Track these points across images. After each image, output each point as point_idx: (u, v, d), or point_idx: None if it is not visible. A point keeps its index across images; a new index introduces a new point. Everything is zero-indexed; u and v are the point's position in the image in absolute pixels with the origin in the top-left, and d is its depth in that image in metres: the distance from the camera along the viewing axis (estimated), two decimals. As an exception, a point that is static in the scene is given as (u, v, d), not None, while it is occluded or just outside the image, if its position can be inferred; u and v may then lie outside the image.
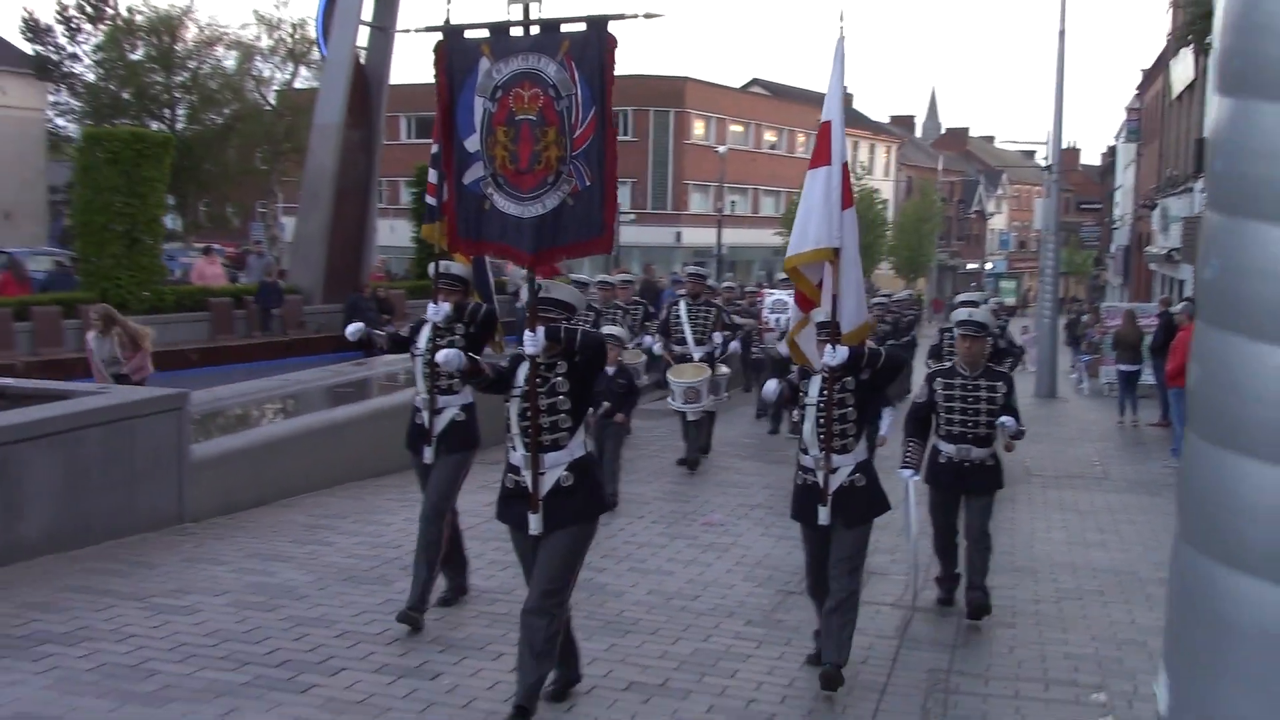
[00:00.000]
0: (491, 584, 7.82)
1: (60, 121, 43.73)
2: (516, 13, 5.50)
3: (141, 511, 8.67)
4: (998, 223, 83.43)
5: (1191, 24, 24.57)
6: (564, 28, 5.39)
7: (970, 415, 7.75)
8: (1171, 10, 27.87)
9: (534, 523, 5.45)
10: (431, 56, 5.69)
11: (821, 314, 6.38)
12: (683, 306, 12.96)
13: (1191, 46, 24.96)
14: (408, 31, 5.78)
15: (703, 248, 48.80)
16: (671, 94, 51.67)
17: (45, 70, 41.09)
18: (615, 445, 10.64)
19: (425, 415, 6.92)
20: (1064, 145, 24.57)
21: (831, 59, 6.40)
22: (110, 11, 42.34)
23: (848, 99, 71.75)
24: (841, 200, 6.28)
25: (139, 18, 41.60)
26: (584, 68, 5.28)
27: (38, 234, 39.40)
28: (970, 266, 76.91)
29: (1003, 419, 7.68)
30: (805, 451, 6.44)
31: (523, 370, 5.54)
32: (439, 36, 5.75)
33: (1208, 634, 2.91)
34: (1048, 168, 25.11)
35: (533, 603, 5.41)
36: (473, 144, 5.61)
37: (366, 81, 21.48)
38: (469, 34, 5.68)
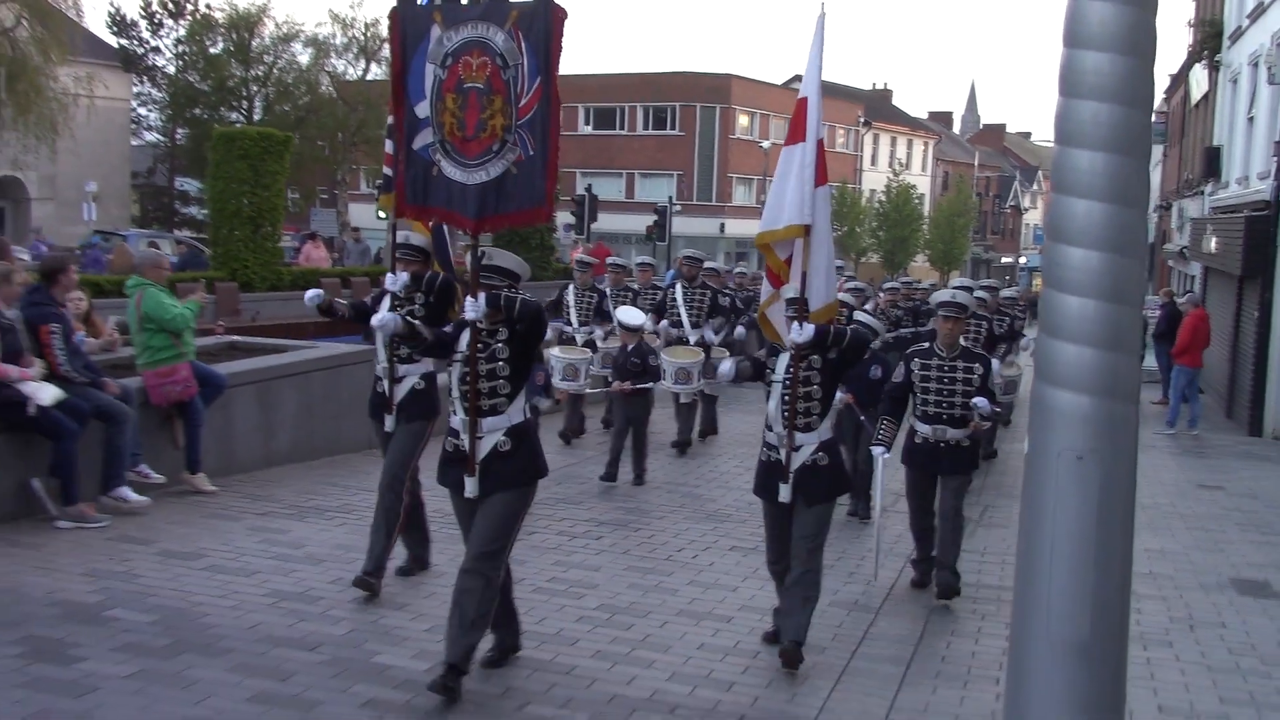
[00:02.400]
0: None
1: (142, 111, 46.93)
2: None
3: (346, 437, 11.46)
4: (1033, 218, 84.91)
5: (1204, 42, 27.04)
6: None
7: (946, 396, 7.68)
8: (1190, 26, 30.23)
9: (470, 485, 5.43)
10: (386, 23, 5.84)
11: (791, 290, 6.30)
12: (679, 290, 12.96)
13: (1205, 62, 27.37)
14: None
15: (746, 238, 51.12)
16: (717, 90, 53.77)
17: (130, 63, 44.03)
18: (639, 425, 10.57)
19: (385, 384, 6.86)
20: None
21: (812, 36, 6.31)
22: (191, 7, 45.36)
23: (886, 95, 73.93)
24: (815, 177, 6.22)
25: (219, 14, 43.72)
26: (531, 39, 5.30)
27: (122, 216, 42.42)
28: (1005, 260, 78.66)
29: (976, 400, 7.57)
30: (770, 428, 6.35)
31: (465, 336, 5.52)
32: (393, 3, 5.88)
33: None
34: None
35: (468, 564, 5.35)
36: (423, 110, 5.65)
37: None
38: (422, 1, 5.81)
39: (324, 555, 7.50)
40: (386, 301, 6.90)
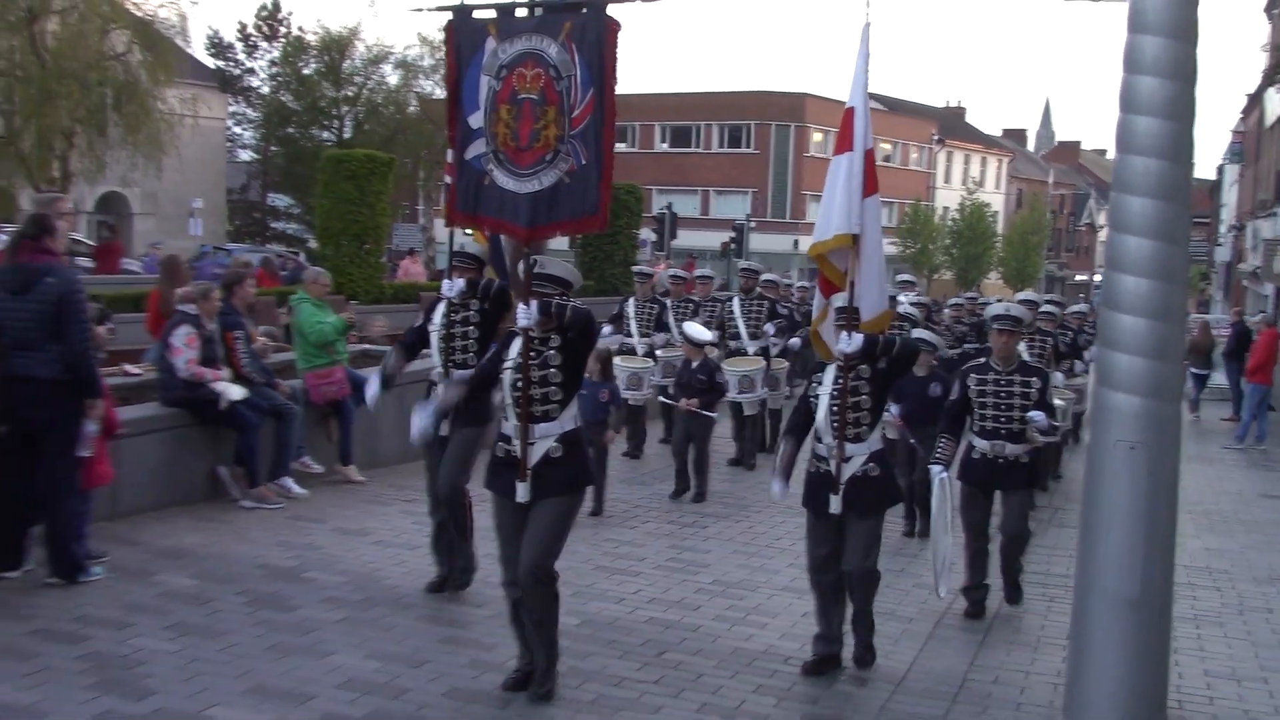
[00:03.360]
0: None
1: (236, 129, 49.01)
2: None
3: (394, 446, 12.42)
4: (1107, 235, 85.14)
5: (1278, 65, 27.58)
6: (566, 10, 5.50)
7: (1004, 410, 7.57)
8: (1265, 50, 30.71)
9: (521, 490, 5.48)
10: (442, 36, 6.53)
11: (840, 300, 6.29)
12: (736, 302, 12.90)
13: (1279, 85, 27.88)
14: (419, 10, 7.18)
15: (818, 255, 52.16)
16: (792, 109, 54.74)
17: (227, 84, 46.09)
18: (701, 442, 10.50)
19: (441, 389, 6.86)
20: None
21: (858, 46, 6.31)
22: (285, 30, 47.41)
23: (959, 113, 74.37)
24: (863, 187, 6.23)
25: (312, 36, 46.07)
26: (584, 49, 5.36)
27: (218, 231, 44.33)
28: (1079, 278, 78.71)
29: (1032, 414, 7.47)
30: (819, 440, 6.36)
31: (516, 344, 5.59)
32: (449, 16, 5.91)
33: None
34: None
35: (526, 574, 5.44)
36: (476, 120, 5.73)
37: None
38: (477, 14, 5.82)
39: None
40: (441, 308, 7.06)
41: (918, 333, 9.69)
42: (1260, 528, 11.49)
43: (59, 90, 30.67)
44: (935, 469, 7.47)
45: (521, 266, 5.78)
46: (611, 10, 5.42)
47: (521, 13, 5.66)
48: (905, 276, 15.86)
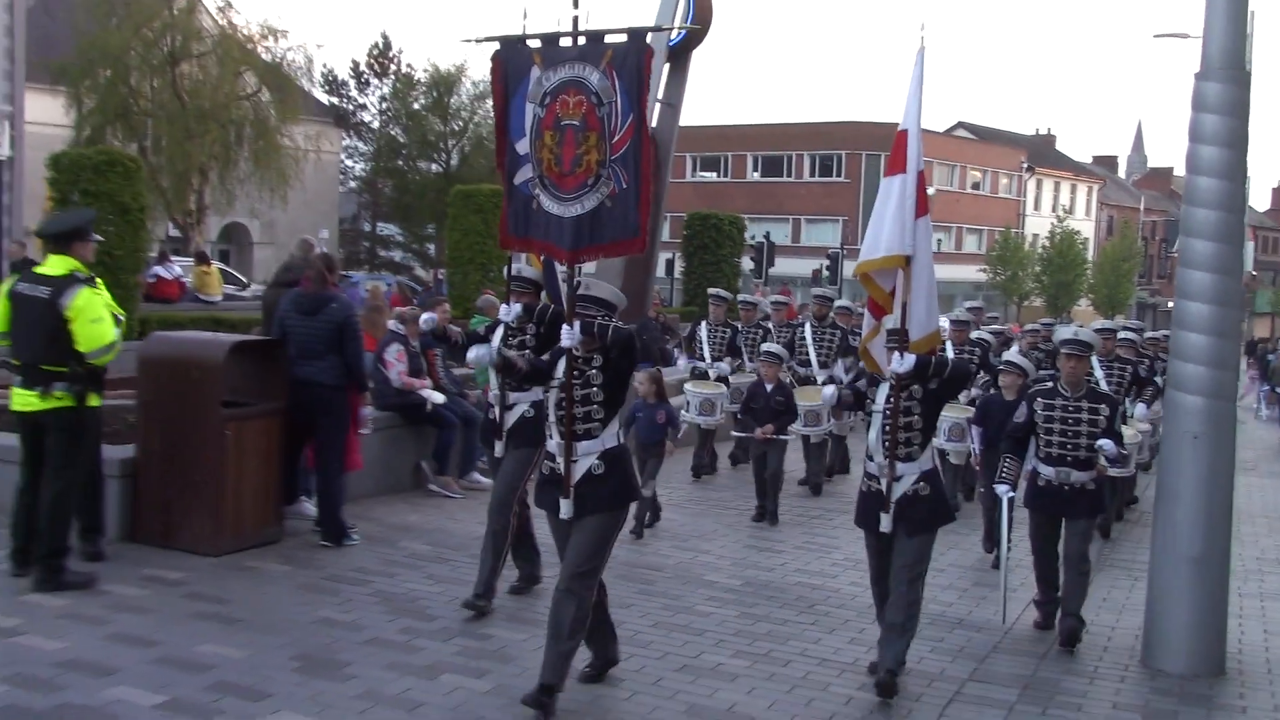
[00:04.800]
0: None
1: (348, 161, 51.61)
2: (566, 24, 5.79)
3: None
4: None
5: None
6: (607, 38, 5.65)
7: (1071, 438, 7.49)
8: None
9: (565, 507, 5.65)
10: (480, 62, 6.93)
11: (892, 321, 6.41)
12: (808, 329, 13.03)
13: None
14: (470, 41, 7.63)
15: (908, 282, 53.32)
16: (882, 139, 56.15)
17: (340, 119, 48.77)
18: (777, 465, 10.58)
19: (497, 410, 7.09)
20: (1276, 185, 28.71)
21: (912, 69, 6.39)
22: (394, 67, 49.97)
23: (1049, 141, 75.13)
24: (915, 208, 6.29)
25: (420, 74, 48.74)
26: (624, 76, 5.51)
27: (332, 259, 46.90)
28: (1170, 305, 78.87)
29: (1101, 441, 7.37)
30: (870, 458, 6.45)
31: (561, 364, 5.72)
32: (496, 46, 6.08)
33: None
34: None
35: (563, 584, 5.60)
36: (523, 147, 5.92)
37: (657, 146, 27.29)
38: (523, 44, 5.98)
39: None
40: (499, 331, 7.24)
41: (1009, 355, 10.09)
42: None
43: (197, 129, 33.16)
44: (1001, 489, 7.53)
45: (565, 289, 5.97)
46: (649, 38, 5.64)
47: (565, 42, 5.82)
48: (973, 303, 15.74)
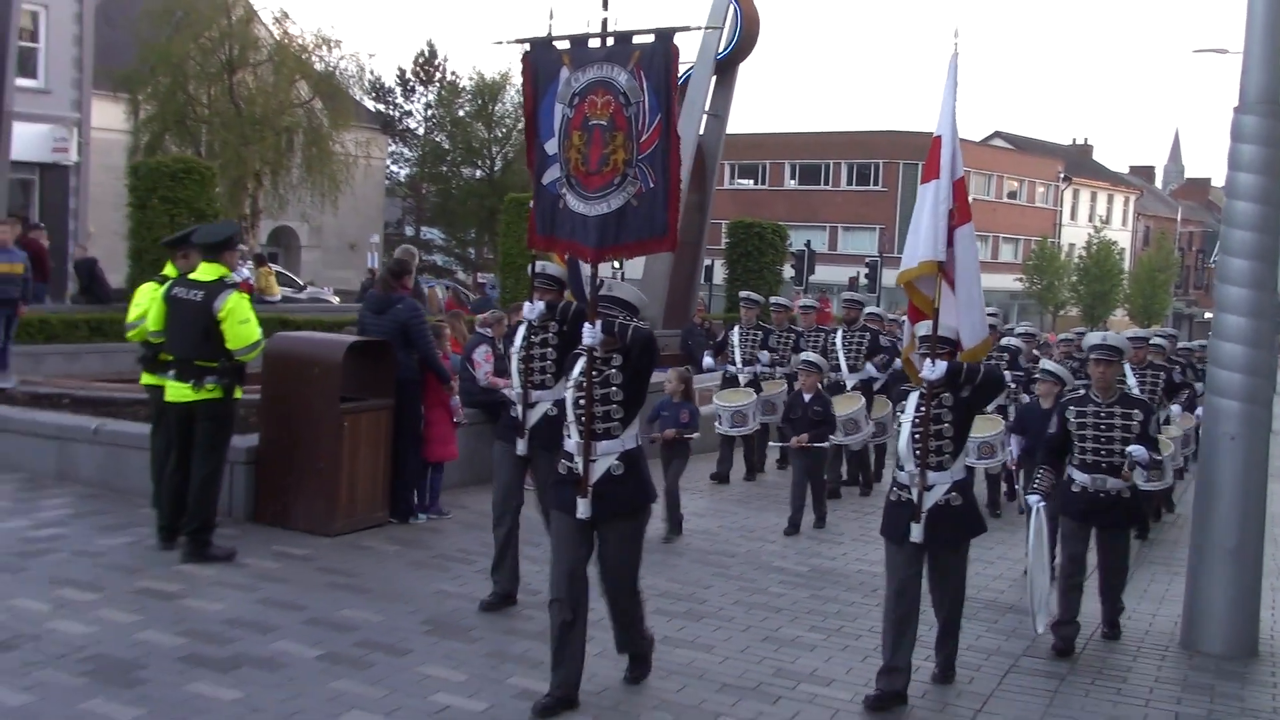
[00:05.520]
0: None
1: (393, 167, 52.66)
2: (595, 25, 5.82)
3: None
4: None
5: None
6: (635, 39, 5.68)
7: (1104, 444, 7.45)
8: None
9: (582, 507, 5.64)
10: (520, 66, 6.12)
11: (925, 328, 6.33)
12: (839, 334, 13.07)
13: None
14: (500, 43, 7.66)
15: (944, 290, 53.98)
16: (920, 148, 56.65)
17: (387, 125, 49.81)
18: (818, 474, 10.69)
19: (520, 409, 7.12)
20: None
21: (945, 76, 6.38)
22: (440, 75, 51.01)
23: (1086, 151, 75.45)
24: (953, 215, 6.25)
25: (465, 81, 49.71)
26: (651, 77, 5.55)
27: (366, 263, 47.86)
28: (1207, 315, 78.90)
29: (1132, 448, 7.34)
30: (901, 467, 6.35)
31: (580, 363, 5.76)
32: (526, 47, 6.13)
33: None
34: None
35: (612, 599, 5.91)
36: (551, 147, 5.95)
37: (703, 155, 28.11)
38: (552, 46, 6.02)
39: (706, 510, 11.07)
40: (522, 330, 7.19)
41: (1046, 365, 10.07)
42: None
43: (252, 136, 34.19)
44: (1033, 499, 7.49)
45: (588, 288, 6.05)
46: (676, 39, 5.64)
47: (594, 43, 5.85)
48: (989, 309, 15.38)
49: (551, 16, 6.22)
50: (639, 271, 32.84)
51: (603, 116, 5.69)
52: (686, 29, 5.68)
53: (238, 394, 7.83)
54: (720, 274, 33.03)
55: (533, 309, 6.99)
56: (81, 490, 9.38)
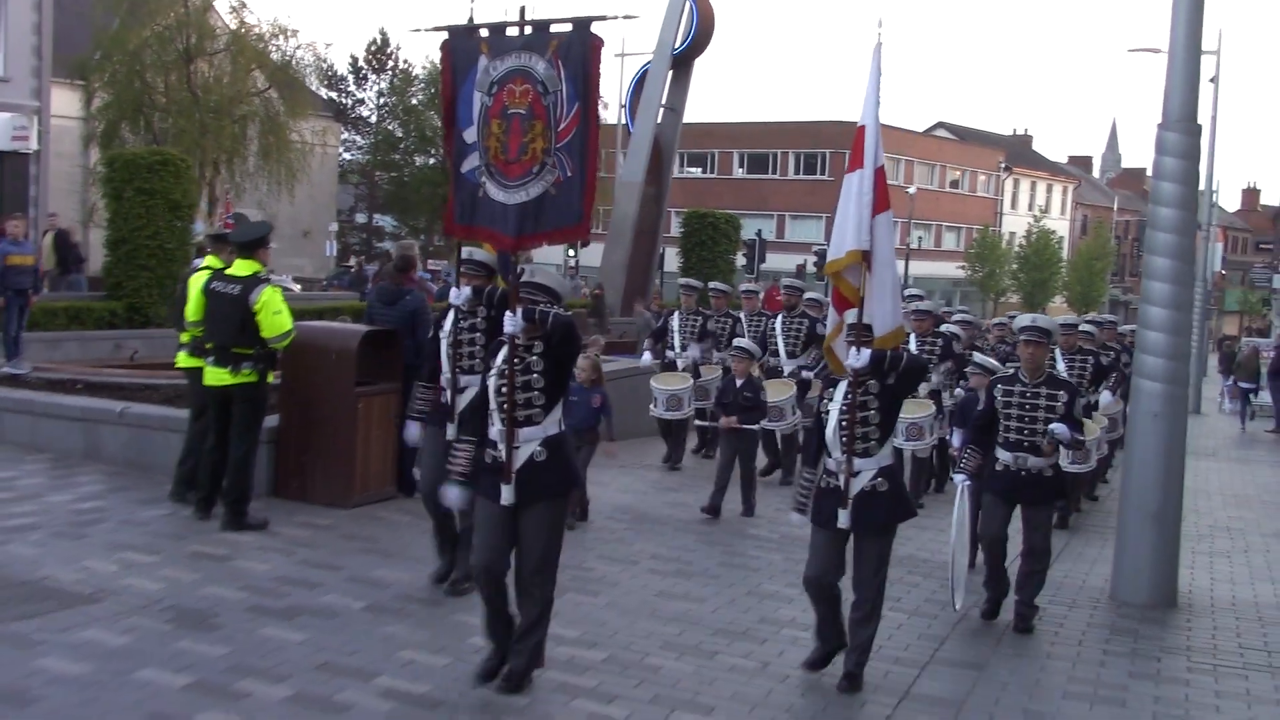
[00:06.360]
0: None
1: (346, 155, 53.09)
2: (513, 14, 5.86)
3: (632, 425, 15.87)
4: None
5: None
6: (553, 28, 5.70)
7: (1028, 424, 7.67)
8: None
9: (506, 493, 5.69)
10: (439, 54, 6.08)
11: (852, 316, 6.36)
12: (778, 320, 13.17)
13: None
14: (418, 30, 7.78)
15: (889, 278, 55.39)
16: (865, 138, 58.33)
17: (339, 113, 50.27)
18: (747, 459, 10.84)
19: (449, 394, 7.18)
20: (1246, 186, 31.23)
21: (870, 66, 6.43)
22: (392, 63, 51.53)
23: (1026, 141, 77.28)
24: (874, 204, 6.27)
25: (419, 70, 50.29)
26: (569, 66, 5.58)
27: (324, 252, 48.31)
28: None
29: (1054, 426, 7.56)
30: (829, 455, 6.41)
31: (502, 351, 5.78)
32: (445, 36, 6.13)
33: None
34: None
35: (524, 581, 5.78)
36: (470, 135, 5.96)
37: (660, 148, 29.03)
38: (470, 34, 6.03)
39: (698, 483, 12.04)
40: (451, 315, 7.27)
41: (977, 358, 10.34)
42: (1277, 506, 14.66)
43: (210, 124, 34.62)
44: (959, 478, 7.83)
45: (510, 276, 6.14)
46: (594, 28, 5.68)
47: (512, 31, 5.89)
48: (912, 290, 14.65)
49: (472, 3, 6.31)
50: (596, 259, 33.85)
51: (521, 105, 5.77)
52: (603, 18, 5.71)
53: (270, 378, 8.67)
54: (674, 262, 34.02)
55: (459, 294, 7.16)
56: (109, 469, 10.15)
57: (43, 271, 17.85)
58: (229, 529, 8.48)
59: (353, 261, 41.51)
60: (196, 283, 8.89)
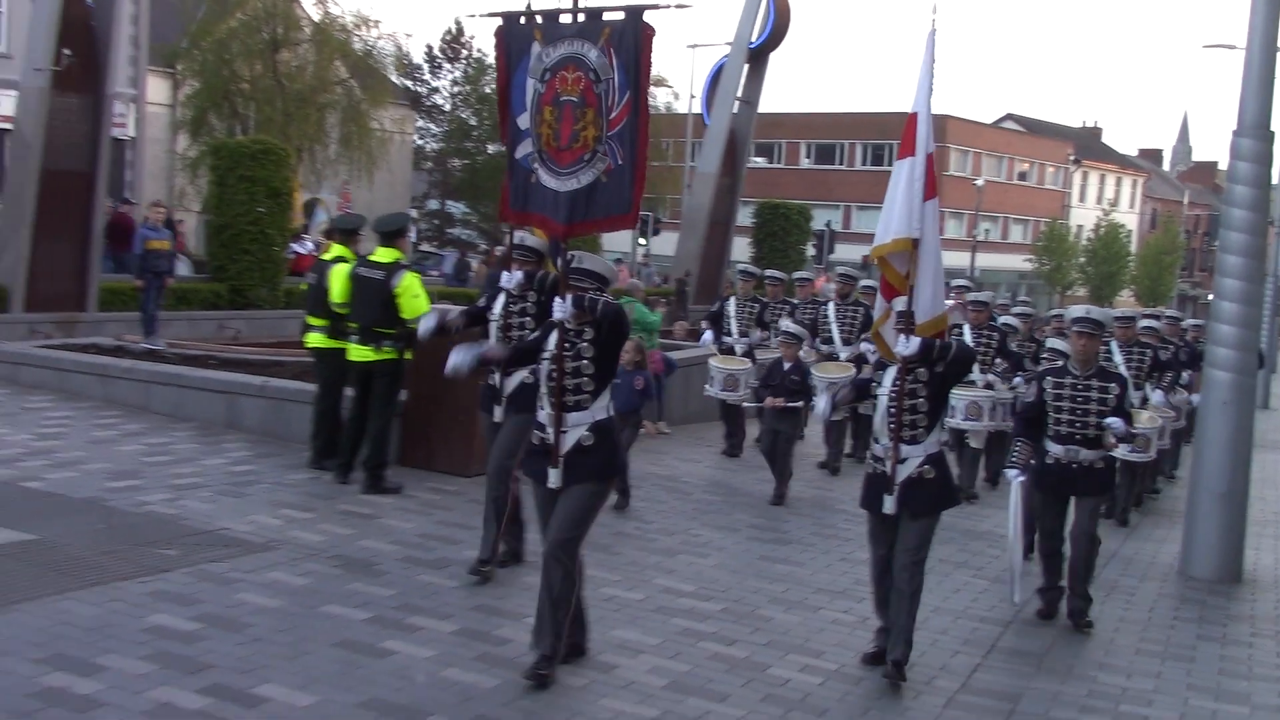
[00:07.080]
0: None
1: (420, 142, 54.23)
2: (567, 1, 5.87)
3: (695, 409, 16.58)
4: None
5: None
6: (605, 16, 5.74)
7: (1079, 416, 7.63)
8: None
9: (553, 477, 5.82)
10: (492, 40, 6.48)
11: (901, 304, 6.40)
12: (831, 307, 13.16)
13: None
14: (473, 16, 7.71)
15: (957, 269, 55.62)
16: (935, 130, 58.51)
17: (415, 102, 51.42)
18: (786, 443, 10.88)
19: (497, 376, 7.29)
20: None
21: (923, 52, 6.47)
22: (466, 52, 52.59)
23: (1096, 134, 76.99)
24: (924, 191, 6.31)
25: (490, 59, 51.53)
26: (621, 54, 5.60)
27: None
28: (1211, 297, 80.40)
29: (1110, 420, 7.52)
30: (876, 441, 6.52)
31: (553, 336, 5.86)
32: (499, 22, 6.22)
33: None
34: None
35: (548, 550, 5.84)
36: (524, 121, 6.03)
37: (735, 140, 29.78)
38: (524, 20, 6.08)
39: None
40: (501, 299, 7.40)
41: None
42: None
43: (295, 113, 35.79)
44: (1010, 473, 7.63)
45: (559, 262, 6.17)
46: (646, 17, 5.71)
47: (565, 18, 5.94)
48: (960, 281, 14.74)
49: None
50: (668, 249, 34.60)
51: (573, 93, 5.81)
52: (656, 6, 5.72)
53: (408, 355, 9.56)
54: (744, 252, 34.79)
55: (510, 279, 7.30)
56: (249, 437, 11.11)
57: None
58: (369, 492, 9.38)
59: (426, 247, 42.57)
60: (339, 272, 9.75)
